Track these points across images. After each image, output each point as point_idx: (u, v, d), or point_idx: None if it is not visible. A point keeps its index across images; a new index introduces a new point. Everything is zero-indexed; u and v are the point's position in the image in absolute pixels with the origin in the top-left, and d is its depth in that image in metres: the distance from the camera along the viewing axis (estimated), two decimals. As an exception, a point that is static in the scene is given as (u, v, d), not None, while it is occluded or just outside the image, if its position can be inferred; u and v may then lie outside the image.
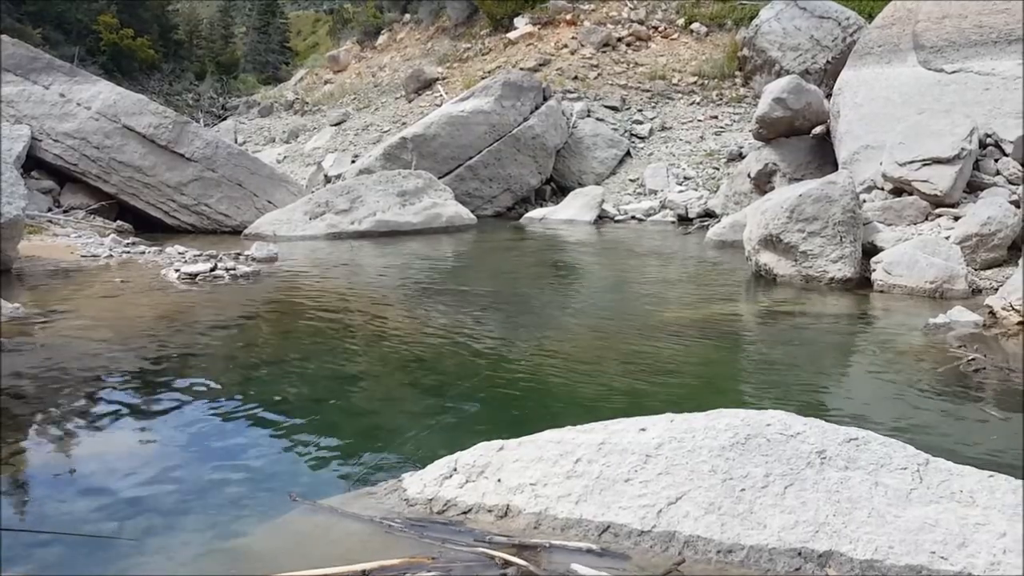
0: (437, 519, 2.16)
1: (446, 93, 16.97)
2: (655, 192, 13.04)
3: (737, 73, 15.86)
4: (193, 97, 26.15)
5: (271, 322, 5.42)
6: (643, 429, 2.32)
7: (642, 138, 14.84)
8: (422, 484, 2.31)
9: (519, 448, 2.34)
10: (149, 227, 9.85)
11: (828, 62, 13.51)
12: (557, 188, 14.18)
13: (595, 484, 2.13)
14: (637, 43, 17.46)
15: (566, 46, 17.29)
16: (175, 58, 28.51)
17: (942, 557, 1.79)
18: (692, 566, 1.87)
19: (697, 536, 1.93)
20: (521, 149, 13.33)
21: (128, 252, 7.71)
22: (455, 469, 2.32)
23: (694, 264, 8.24)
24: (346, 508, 2.27)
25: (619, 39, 17.44)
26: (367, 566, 1.88)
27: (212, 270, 6.57)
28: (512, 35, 18.59)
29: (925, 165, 7.37)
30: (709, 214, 11.50)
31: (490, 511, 2.15)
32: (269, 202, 10.51)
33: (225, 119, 22.73)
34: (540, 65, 16.66)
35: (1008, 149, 7.77)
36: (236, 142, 16.42)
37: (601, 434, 2.32)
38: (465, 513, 2.16)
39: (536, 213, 12.86)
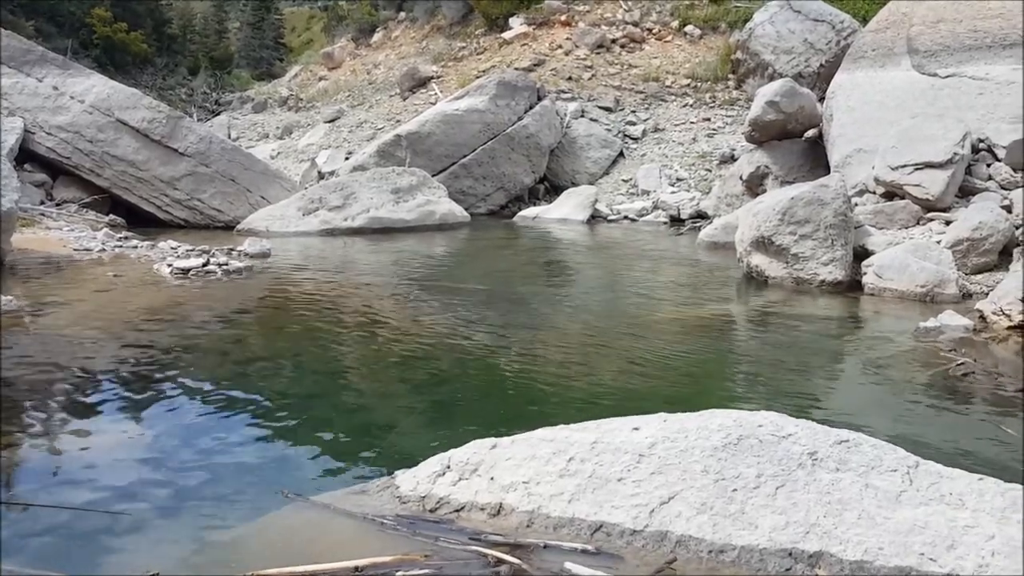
0: (430, 517, 2.16)
1: (441, 92, 16.97)
2: (648, 193, 13.08)
3: (730, 76, 15.89)
4: (186, 92, 26.06)
5: (263, 318, 5.42)
6: (636, 428, 2.32)
7: (635, 139, 14.88)
8: (415, 481, 2.31)
9: (512, 446, 2.34)
10: (142, 222, 9.81)
11: (822, 65, 13.53)
12: (550, 187, 14.21)
13: (588, 483, 2.13)
14: (631, 45, 17.50)
15: (560, 47, 17.31)
16: (168, 53, 28.39)
17: (931, 559, 1.81)
18: (684, 566, 1.88)
19: (689, 536, 1.94)
20: (515, 148, 13.35)
21: (120, 246, 7.68)
22: (448, 467, 2.32)
23: (686, 265, 8.26)
24: (339, 505, 2.27)
25: (613, 40, 17.47)
26: (360, 563, 1.88)
27: (204, 265, 6.55)
28: (507, 35, 18.60)
29: (917, 169, 7.41)
30: (701, 215, 11.54)
31: (483, 509, 2.15)
32: (262, 198, 10.48)
33: (219, 114, 22.66)
34: (535, 65, 16.67)
35: (1001, 154, 7.81)
36: (230, 138, 16.36)
37: (594, 433, 2.32)
38: (458, 511, 2.17)
39: (529, 212, 12.87)
